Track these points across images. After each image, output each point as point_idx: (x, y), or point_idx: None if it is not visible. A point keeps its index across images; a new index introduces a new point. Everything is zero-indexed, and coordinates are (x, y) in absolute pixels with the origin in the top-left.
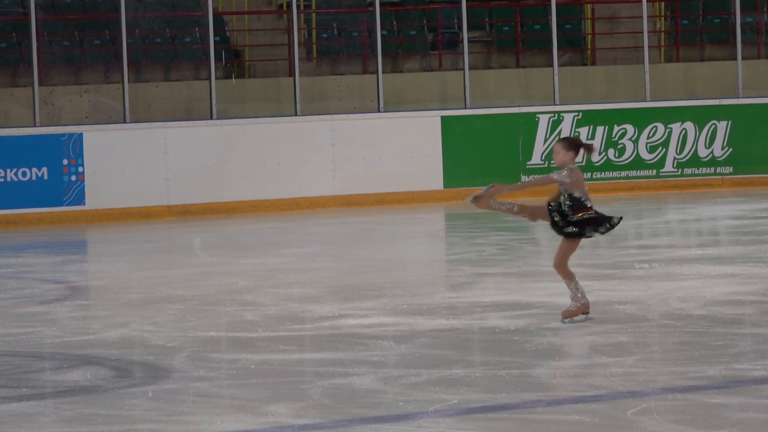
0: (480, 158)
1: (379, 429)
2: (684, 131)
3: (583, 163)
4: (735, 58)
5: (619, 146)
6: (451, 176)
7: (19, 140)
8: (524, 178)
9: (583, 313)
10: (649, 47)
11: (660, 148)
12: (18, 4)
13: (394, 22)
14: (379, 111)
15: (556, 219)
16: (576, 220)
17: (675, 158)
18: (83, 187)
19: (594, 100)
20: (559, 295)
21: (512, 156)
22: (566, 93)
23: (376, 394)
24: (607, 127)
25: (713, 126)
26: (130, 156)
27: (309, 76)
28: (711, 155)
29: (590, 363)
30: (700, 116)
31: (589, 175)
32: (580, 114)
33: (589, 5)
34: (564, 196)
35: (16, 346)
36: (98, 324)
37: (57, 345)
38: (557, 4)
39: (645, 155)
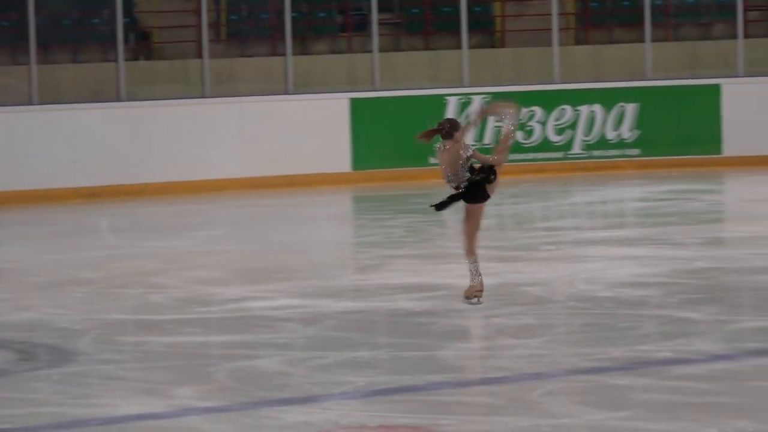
0: (389, 140)
1: (285, 411)
2: (592, 113)
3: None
4: (643, 41)
5: (527, 128)
6: (360, 159)
7: None
8: (432, 161)
9: (475, 295)
10: (558, 29)
11: (568, 131)
12: None
13: (303, 4)
14: (288, 93)
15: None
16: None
17: (583, 140)
18: None
19: (502, 82)
20: (466, 276)
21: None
22: (475, 75)
23: (282, 376)
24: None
25: (621, 108)
26: (37, 138)
27: (218, 57)
28: (619, 137)
29: (496, 345)
30: (608, 98)
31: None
32: (489, 96)
33: None
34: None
35: None
36: (4, 307)
37: None
38: None
39: (553, 137)
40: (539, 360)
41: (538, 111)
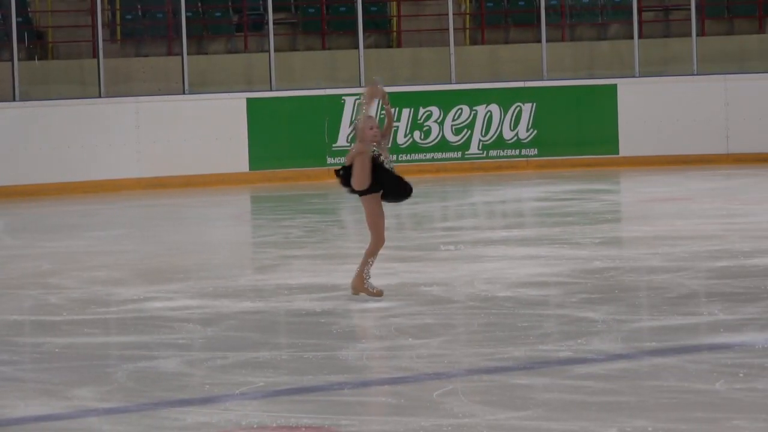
0: (286, 140)
1: (185, 412)
2: (489, 113)
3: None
4: (539, 41)
5: (424, 128)
6: (257, 158)
7: None
8: (330, 161)
9: (354, 292)
10: (454, 29)
11: (465, 131)
12: None
13: (199, 4)
14: (184, 93)
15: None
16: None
17: (480, 140)
18: None
19: (399, 82)
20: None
21: (318, 138)
22: (372, 75)
23: (181, 377)
24: (412, 110)
25: (518, 108)
26: None
27: (113, 57)
28: (516, 137)
29: (396, 345)
30: (505, 98)
31: (394, 157)
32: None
33: None
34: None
35: None
36: None
37: None
38: None
39: (450, 137)
40: (440, 360)
41: (435, 111)
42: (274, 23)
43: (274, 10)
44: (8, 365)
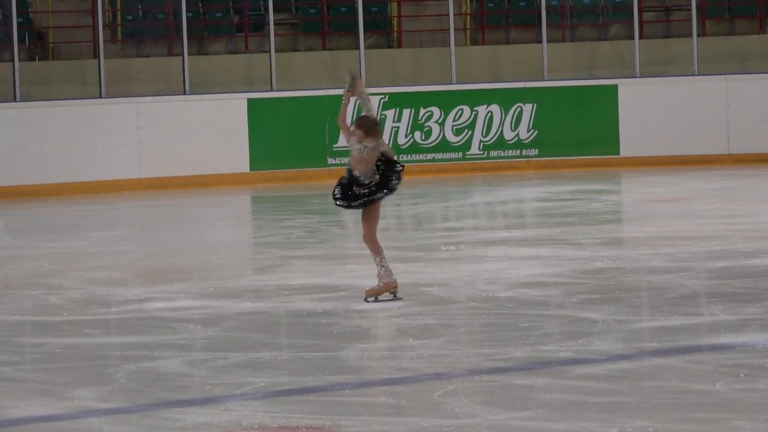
0: (286, 141)
1: (185, 412)
2: (490, 114)
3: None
4: (540, 41)
5: (425, 129)
6: (258, 159)
7: None
8: (331, 161)
9: (390, 293)
10: (454, 30)
11: (466, 131)
12: None
13: (200, 4)
14: (185, 93)
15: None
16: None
17: (481, 141)
18: None
19: (400, 82)
20: (366, 277)
21: (319, 138)
22: (372, 75)
23: (182, 377)
24: (413, 110)
25: (519, 109)
26: None
27: (114, 58)
28: (516, 138)
29: (397, 345)
30: (506, 99)
31: (395, 157)
32: (387, 97)
33: None
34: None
35: None
36: None
37: None
38: None
39: (451, 138)
40: (440, 360)
41: (436, 111)
42: (274, 24)
43: (275, 11)
44: (9, 365)
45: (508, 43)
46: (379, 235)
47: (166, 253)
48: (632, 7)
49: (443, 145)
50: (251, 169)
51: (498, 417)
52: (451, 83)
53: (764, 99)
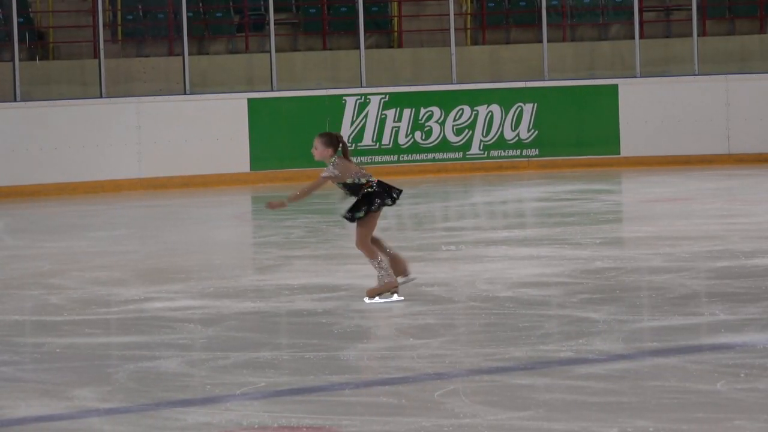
0: (287, 141)
1: (186, 412)
2: (490, 114)
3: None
4: (540, 41)
5: (425, 129)
6: (258, 159)
7: None
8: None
9: (391, 292)
10: (455, 30)
11: (466, 131)
12: None
13: (200, 4)
14: (185, 93)
15: (347, 216)
16: (363, 194)
17: (481, 141)
18: None
19: (400, 82)
20: (366, 277)
21: None
22: (373, 75)
23: (183, 377)
24: (413, 110)
25: (519, 108)
26: None
27: (114, 57)
28: (517, 138)
29: (397, 345)
30: (506, 99)
31: (395, 157)
32: (387, 96)
33: None
34: (340, 187)
35: None
36: None
37: None
38: None
39: (451, 138)
40: (441, 360)
41: (436, 111)
42: (275, 23)
43: (275, 11)
44: (9, 365)
45: (508, 42)
46: (381, 235)
47: (166, 253)
48: (632, 7)
49: (443, 145)
50: (252, 168)
51: (498, 417)
52: (452, 83)
53: (764, 99)
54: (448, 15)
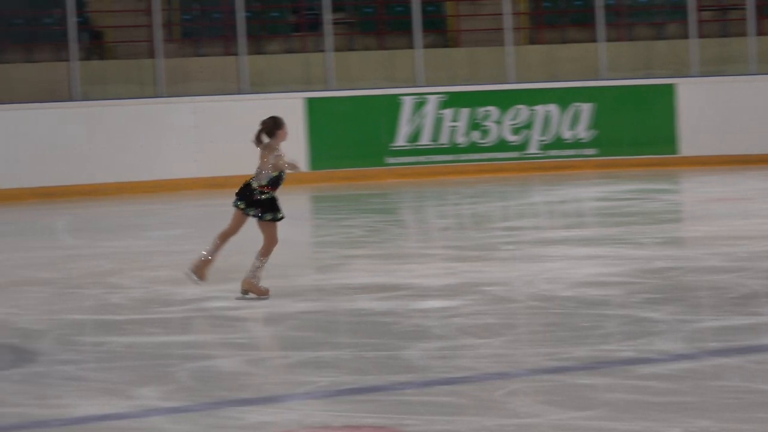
0: (344, 140)
1: (246, 411)
2: (548, 113)
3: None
4: (597, 40)
5: (483, 128)
6: (316, 158)
7: None
8: (389, 160)
9: (252, 293)
10: (511, 29)
11: (524, 130)
12: None
13: (257, 4)
14: (242, 92)
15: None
16: (265, 199)
17: (539, 140)
18: None
19: (457, 82)
20: (426, 276)
21: (377, 137)
22: (429, 75)
23: (243, 376)
24: (470, 110)
25: (576, 108)
26: None
27: (171, 57)
28: (575, 137)
29: (458, 344)
30: (563, 98)
31: (453, 157)
32: (444, 96)
33: None
34: (268, 177)
35: None
36: None
37: None
38: None
39: (509, 137)
40: (502, 360)
41: (493, 111)
42: (331, 23)
43: (332, 10)
44: (71, 364)
45: (564, 42)
46: (439, 236)
47: (225, 252)
48: (688, 6)
49: (501, 145)
50: (310, 168)
51: (560, 416)
52: (509, 82)
53: None
54: (504, 14)
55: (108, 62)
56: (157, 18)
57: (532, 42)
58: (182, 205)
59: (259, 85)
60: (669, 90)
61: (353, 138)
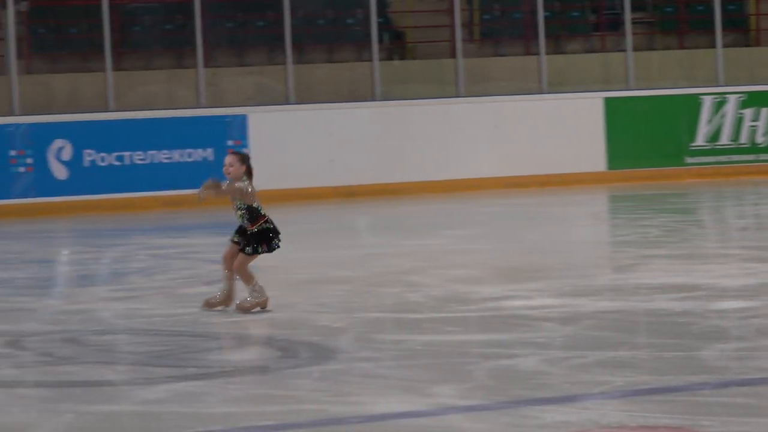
0: (643, 140)
1: (544, 411)
2: None
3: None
4: None
5: None
6: (615, 158)
7: (184, 121)
8: (688, 160)
9: (261, 308)
10: None
11: None
12: None
13: (557, 3)
14: (542, 92)
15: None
16: (256, 231)
17: None
18: None
19: (758, 81)
20: (725, 277)
21: (676, 137)
22: (730, 74)
23: (541, 375)
24: None
25: None
26: (294, 137)
27: (471, 57)
28: None
29: (757, 345)
30: None
31: (753, 156)
32: (745, 95)
33: None
34: (242, 208)
35: (182, 326)
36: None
37: (224, 325)
38: None
39: None
40: None
41: None
42: (631, 22)
43: (632, 10)
44: (370, 362)
45: None
46: (738, 235)
47: (523, 252)
48: None
49: None
50: (608, 167)
51: None
52: None
53: None
54: None
55: (408, 62)
56: (458, 18)
57: None
58: (482, 204)
59: (558, 85)
60: None
61: (652, 138)
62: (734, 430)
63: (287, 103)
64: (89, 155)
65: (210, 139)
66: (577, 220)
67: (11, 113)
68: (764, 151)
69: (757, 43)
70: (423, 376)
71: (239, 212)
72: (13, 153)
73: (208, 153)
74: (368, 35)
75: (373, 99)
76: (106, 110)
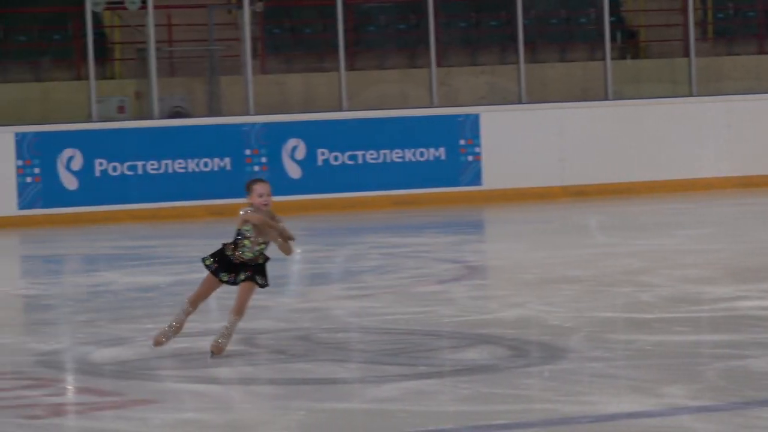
0: None
1: None
2: None
3: None
4: None
5: None
6: None
7: (416, 121)
8: None
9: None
10: None
11: None
12: None
13: None
14: None
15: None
16: (262, 262)
17: None
18: (480, 167)
19: None
20: None
21: None
22: None
23: None
24: None
25: None
26: (525, 137)
27: (704, 56)
28: None
29: None
30: None
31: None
32: None
33: None
34: (264, 243)
35: (414, 325)
36: (495, 303)
37: (455, 324)
38: None
39: None
40: None
41: None
42: None
43: None
44: (601, 361)
45: None
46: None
47: (757, 252)
48: None
49: None
50: None
51: None
52: None
53: None
54: None
55: (641, 61)
56: (692, 17)
57: None
58: (714, 204)
59: None
60: None
61: None
62: None
63: (519, 102)
64: (323, 154)
65: (442, 139)
66: None
67: (246, 113)
68: None
69: None
70: (653, 376)
71: (260, 246)
72: (248, 152)
73: (441, 152)
74: (601, 34)
75: (605, 98)
76: (340, 110)
